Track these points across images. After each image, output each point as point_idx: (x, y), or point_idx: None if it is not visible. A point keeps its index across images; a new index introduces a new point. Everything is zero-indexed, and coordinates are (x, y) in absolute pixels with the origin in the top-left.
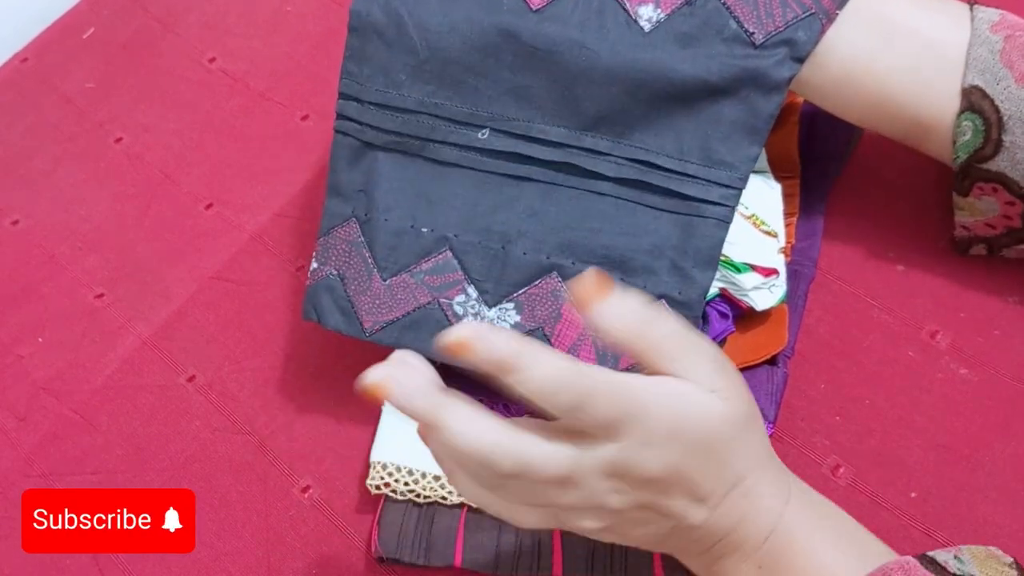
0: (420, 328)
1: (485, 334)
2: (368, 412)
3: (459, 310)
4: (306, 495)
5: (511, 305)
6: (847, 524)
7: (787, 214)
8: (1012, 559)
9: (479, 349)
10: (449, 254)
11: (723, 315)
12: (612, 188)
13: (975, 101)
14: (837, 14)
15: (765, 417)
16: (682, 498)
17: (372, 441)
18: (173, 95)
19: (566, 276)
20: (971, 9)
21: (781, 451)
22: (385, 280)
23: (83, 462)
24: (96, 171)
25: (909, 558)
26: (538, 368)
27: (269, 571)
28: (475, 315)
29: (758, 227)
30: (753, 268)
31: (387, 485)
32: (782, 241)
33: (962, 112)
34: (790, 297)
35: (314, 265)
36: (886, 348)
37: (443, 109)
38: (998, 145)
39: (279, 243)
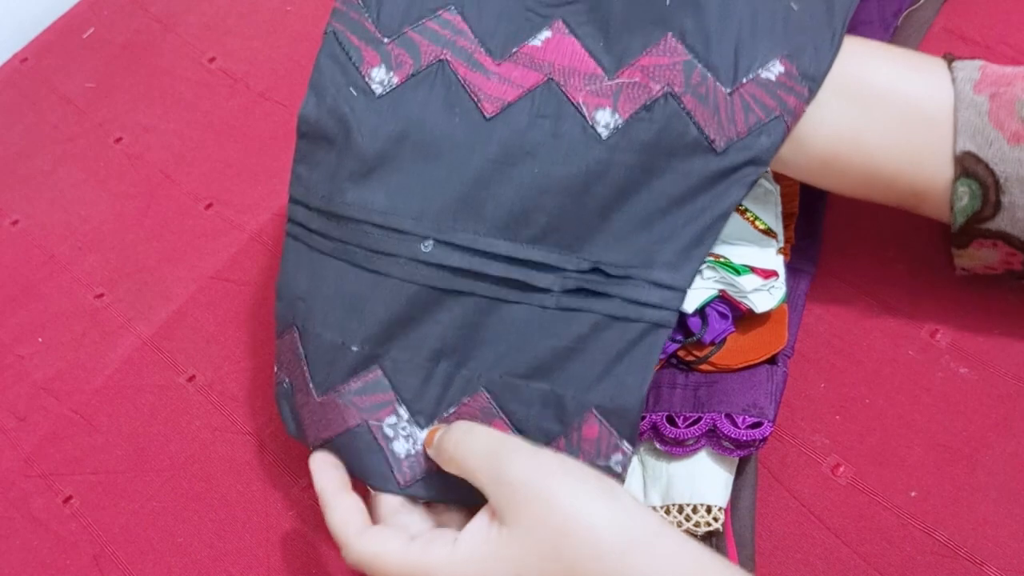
0: (350, 450)
1: (317, 466)
2: None
3: (389, 432)
4: (306, 495)
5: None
6: None
7: (787, 214)
8: None
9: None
10: (379, 372)
11: (723, 316)
12: (555, 300)
13: (969, 166)
14: (804, 110)
15: (764, 416)
16: None
17: None
18: (173, 95)
19: (494, 392)
20: (950, 67)
21: (781, 451)
22: (318, 397)
23: (83, 462)
24: (96, 171)
25: None
26: (329, 516)
27: (269, 571)
28: (406, 436)
29: (757, 227)
30: (752, 270)
31: None
32: (781, 241)
33: (957, 178)
34: (790, 297)
35: (276, 368)
36: (886, 348)
37: (386, 219)
38: (997, 206)
39: (279, 243)
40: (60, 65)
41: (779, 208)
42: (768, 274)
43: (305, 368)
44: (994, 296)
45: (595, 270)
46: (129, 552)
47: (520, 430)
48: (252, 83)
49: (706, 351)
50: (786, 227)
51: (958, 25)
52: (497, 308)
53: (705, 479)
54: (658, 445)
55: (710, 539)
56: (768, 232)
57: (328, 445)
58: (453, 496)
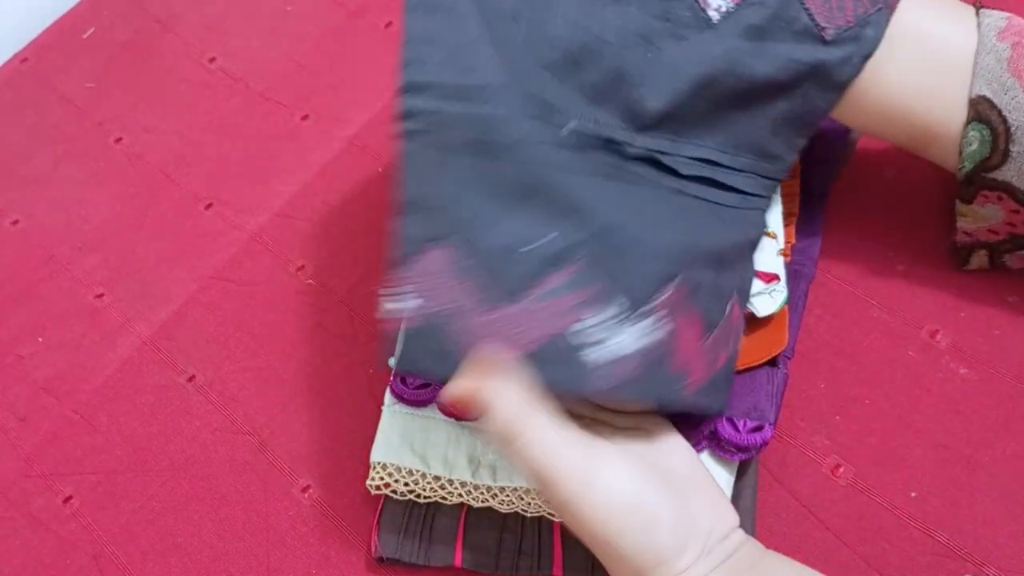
0: (546, 362)
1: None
2: (368, 412)
3: (592, 334)
4: (306, 495)
5: (645, 322)
6: None
7: (787, 214)
8: None
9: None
10: (573, 270)
11: None
12: (682, 185)
13: (982, 111)
14: (898, 6)
15: (765, 419)
16: None
17: (372, 441)
18: (173, 95)
19: (687, 281)
20: (977, 13)
21: (781, 451)
22: (509, 307)
23: (83, 462)
24: (96, 171)
25: None
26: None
27: (269, 571)
28: (605, 339)
29: None
30: (754, 274)
31: (387, 485)
32: (782, 242)
33: (969, 122)
34: (790, 297)
35: (396, 304)
36: (886, 348)
37: (523, 95)
38: (1005, 155)
39: (279, 243)
40: (60, 65)
41: (780, 208)
42: (770, 278)
43: (473, 281)
44: (994, 296)
45: (710, 161)
46: (129, 552)
47: (705, 321)
48: (252, 83)
49: None
50: (786, 227)
51: None
52: (640, 195)
53: None
54: None
55: None
56: (768, 233)
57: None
58: (643, 395)
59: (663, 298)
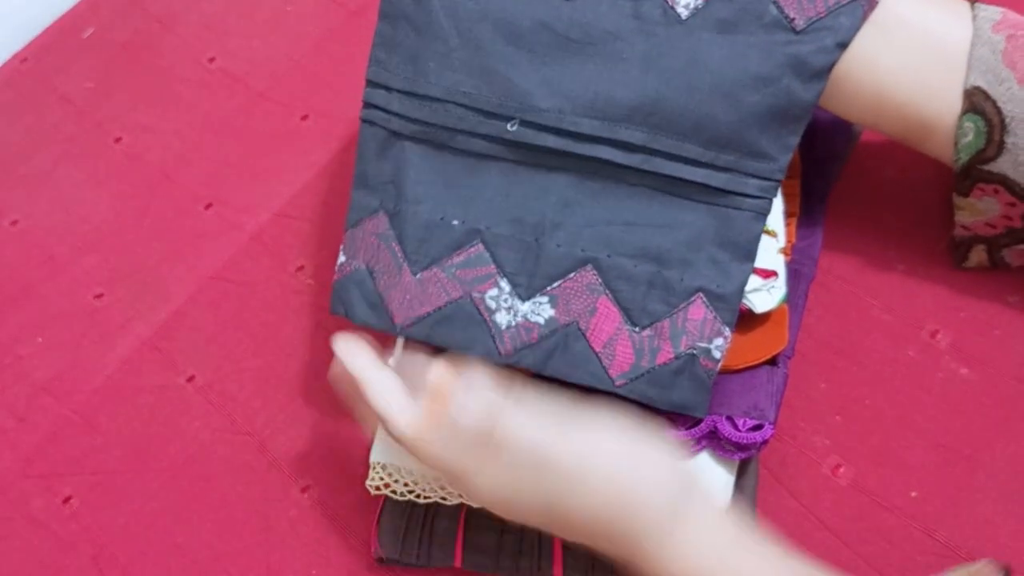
0: (452, 323)
1: (347, 347)
2: None
3: (492, 304)
4: (306, 495)
5: (545, 299)
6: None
7: (787, 214)
8: None
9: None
10: (481, 247)
11: None
12: (643, 179)
13: (977, 102)
14: (878, 2)
15: (765, 417)
16: None
17: (372, 441)
18: (173, 95)
19: (602, 269)
20: (972, 7)
21: (781, 451)
22: (415, 274)
23: (83, 462)
24: (96, 171)
25: None
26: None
27: (269, 571)
28: (508, 309)
29: None
30: (752, 270)
31: (387, 486)
32: (782, 241)
33: (964, 113)
34: (791, 297)
35: (341, 259)
36: (886, 348)
37: (471, 99)
38: (1000, 147)
39: (279, 243)
40: (60, 65)
41: (780, 207)
42: (768, 274)
43: (397, 248)
44: (994, 296)
45: (683, 158)
46: (129, 552)
47: (625, 308)
48: (252, 83)
49: None
50: (786, 226)
51: None
52: (589, 184)
53: (706, 480)
54: None
55: None
56: (768, 232)
57: (424, 321)
58: (552, 369)
59: (562, 282)
